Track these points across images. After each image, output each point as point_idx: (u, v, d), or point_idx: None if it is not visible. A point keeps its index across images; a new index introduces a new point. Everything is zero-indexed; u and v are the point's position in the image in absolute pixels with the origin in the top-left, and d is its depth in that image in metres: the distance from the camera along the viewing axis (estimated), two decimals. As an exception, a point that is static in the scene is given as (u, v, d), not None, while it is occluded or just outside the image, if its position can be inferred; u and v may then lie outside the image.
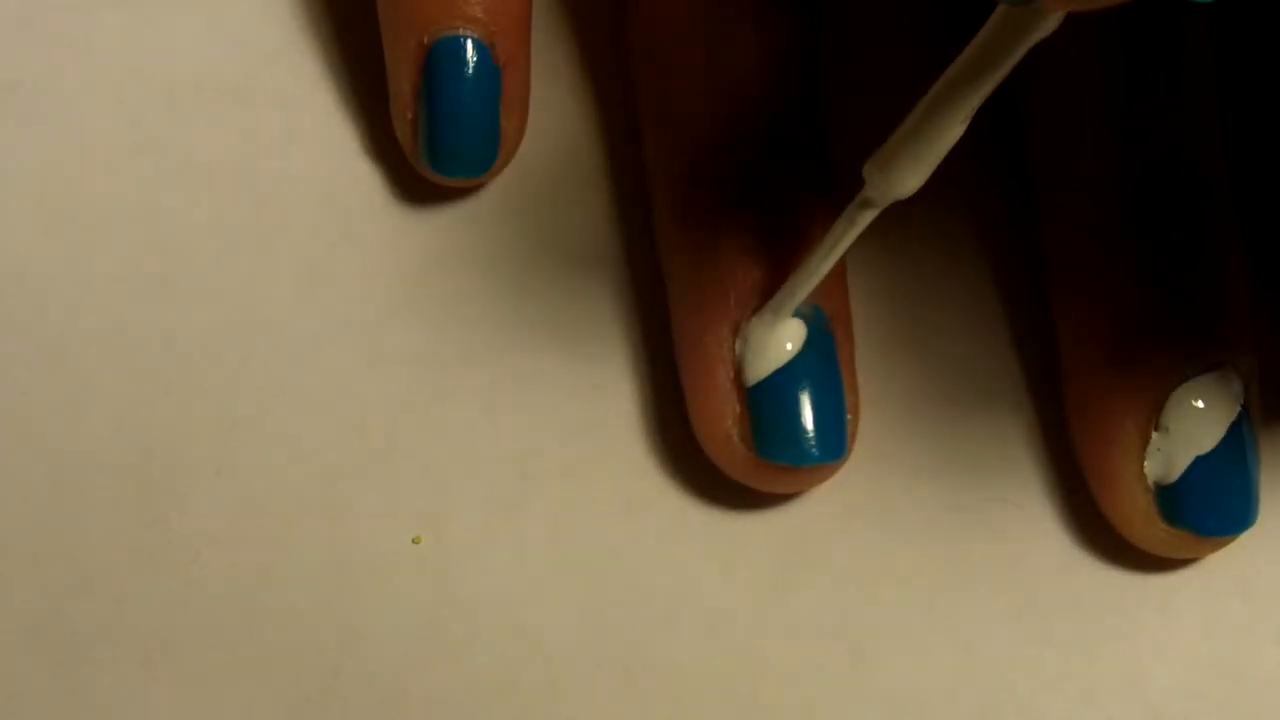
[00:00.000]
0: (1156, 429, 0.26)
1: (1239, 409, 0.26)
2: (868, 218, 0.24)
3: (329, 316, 0.29)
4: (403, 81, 0.28)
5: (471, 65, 0.28)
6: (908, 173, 0.23)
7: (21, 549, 0.27)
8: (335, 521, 0.27)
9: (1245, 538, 0.27)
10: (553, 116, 0.30)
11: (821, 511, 0.28)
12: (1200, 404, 0.26)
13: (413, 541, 0.27)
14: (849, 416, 0.27)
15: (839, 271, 0.27)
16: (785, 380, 0.26)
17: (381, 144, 0.30)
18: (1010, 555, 0.27)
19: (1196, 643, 0.27)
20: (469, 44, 0.28)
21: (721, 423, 0.27)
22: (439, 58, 0.28)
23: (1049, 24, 0.21)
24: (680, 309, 0.28)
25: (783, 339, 0.26)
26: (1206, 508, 0.26)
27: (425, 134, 0.28)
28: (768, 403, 0.26)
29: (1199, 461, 0.26)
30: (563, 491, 0.28)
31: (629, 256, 0.29)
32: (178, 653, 0.27)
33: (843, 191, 0.26)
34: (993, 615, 0.27)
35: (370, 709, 0.26)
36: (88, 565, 0.27)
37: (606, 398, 0.28)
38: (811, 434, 0.26)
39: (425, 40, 0.28)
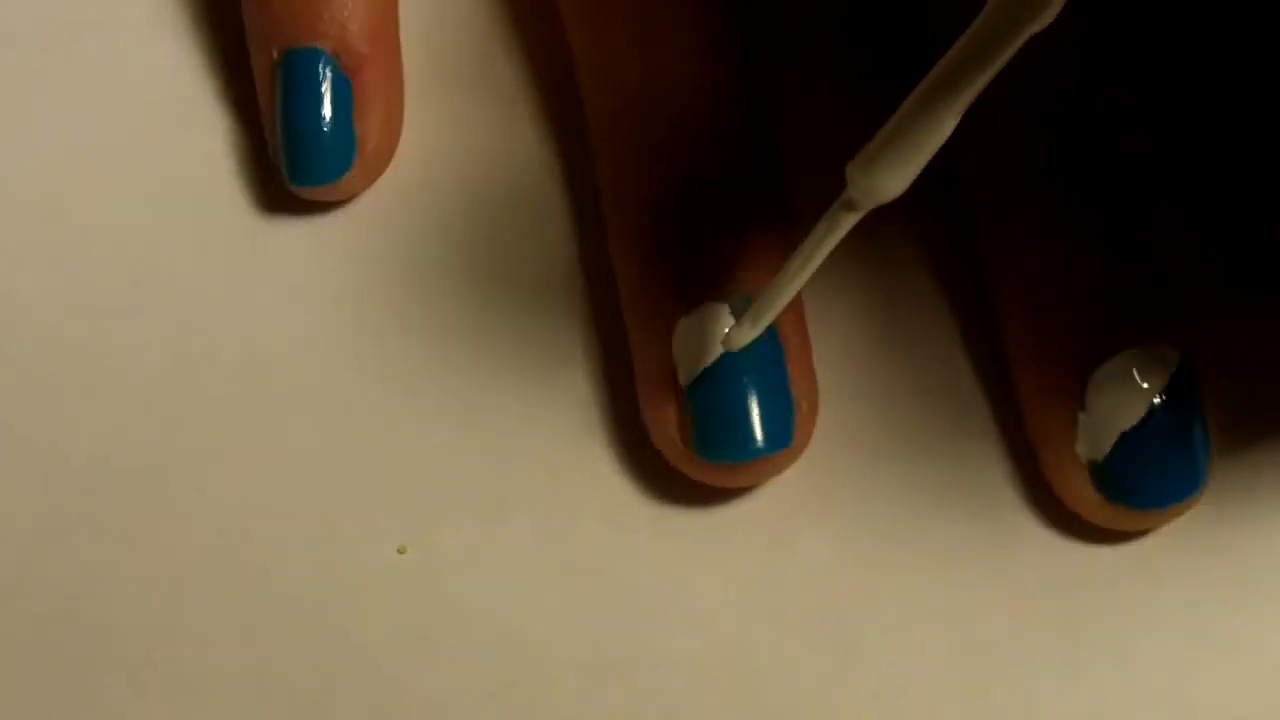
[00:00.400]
0: (1083, 409, 0.26)
1: (1164, 383, 0.26)
2: (850, 221, 0.23)
3: (312, 332, 0.29)
4: (261, 95, 0.29)
5: (316, 78, 0.29)
6: (894, 174, 0.22)
7: (4, 571, 0.27)
8: (320, 535, 0.28)
9: (1227, 505, 0.27)
10: (512, 132, 0.30)
11: (804, 504, 0.28)
12: (1121, 381, 0.26)
13: (398, 552, 0.27)
14: (799, 406, 0.27)
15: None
16: (719, 376, 0.26)
17: None
18: (993, 539, 0.27)
19: (1180, 613, 0.27)
20: (315, 57, 0.29)
21: (666, 425, 0.27)
22: (286, 71, 0.29)
23: (1050, 11, 0.20)
24: (627, 314, 0.28)
25: (715, 335, 0.26)
26: (1136, 482, 0.26)
27: (281, 146, 0.29)
28: (703, 400, 0.26)
29: (1124, 438, 0.26)
30: (545, 496, 0.28)
31: (597, 265, 0.29)
32: (165, 670, 0.27)
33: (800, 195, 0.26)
34: (980, 601, 0.27)
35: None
36: (73, 585, 0.27)
37: (583, 403, 0.28)
38: (750, 428, 0.26)
39: (275, 55, 0.29)
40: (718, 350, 0.26)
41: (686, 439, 0.26)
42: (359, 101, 0.29)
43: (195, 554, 0.27)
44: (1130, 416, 0.26)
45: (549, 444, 0.28)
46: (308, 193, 0.29)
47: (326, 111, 0.29)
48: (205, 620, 0.27)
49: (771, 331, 0.26)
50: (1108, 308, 0.26)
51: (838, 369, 0.28)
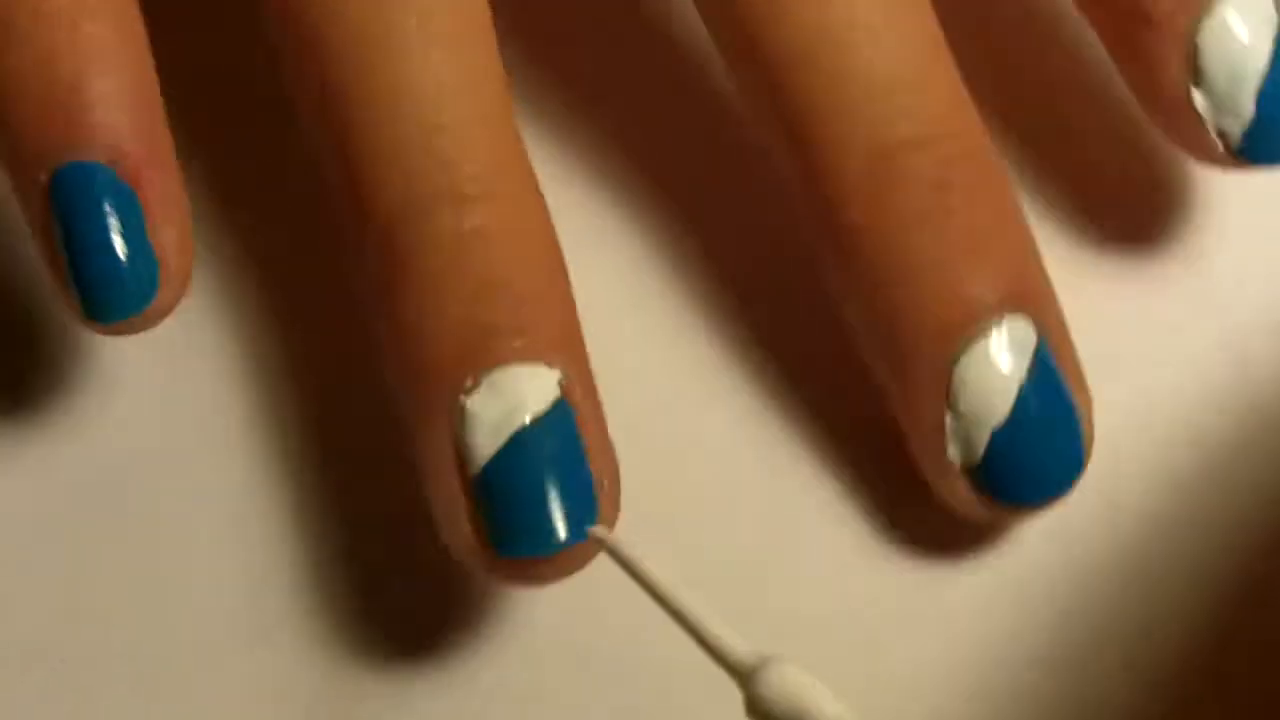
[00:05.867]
0: (948, 410, 0.24)
1: (1027, 364, 0.24)
2: None
3: (313, 331, 0.29)
4: (32, 226, 0.25)
5: (97, 194, 0.24)
6: None
7: (4, 571, 0.28)
8: (320, 535, 0.28)
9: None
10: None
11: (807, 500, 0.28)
12: (980, 372, 0.24)
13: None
14: (599, 483, 0.24)
15: (570, 319, 0.25)
16: (512, 461, 0.23)
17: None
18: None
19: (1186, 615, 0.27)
20: (91, 171, 0.24)
21: (457, 524, 0.24)
22: (59, 193, 0.24)
23: None
24: (395, 386, 0.25)
25: (502, 411, 0.23)
26: (1023, 479, 0.25)
27: (71, 282, 0.24)
28: (489, 493, 0.23)
29: (996, 435, 0.24)
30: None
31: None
32: (165, 670, 0.27)
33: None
34: (981, 601, 0.27)
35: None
36: (75, 586, 0.27)
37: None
38: (548, 518, 0.23)
39: (42, 177, 0.24)
40: (506, 431, 0.23)
41: (483, 536, 0.23)
42: (150, 212, 0.24)
43: (197, 553, 0.27)
44: (1001, 409, 0.24)
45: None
46: (112, 329, 0.25)
47: (118, 231, 0.24)
48: (208, 622, 0.27)
49: (562, 403, 0.23)
50: (951, 294, 0.25)
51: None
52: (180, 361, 0.29)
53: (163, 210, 0.25)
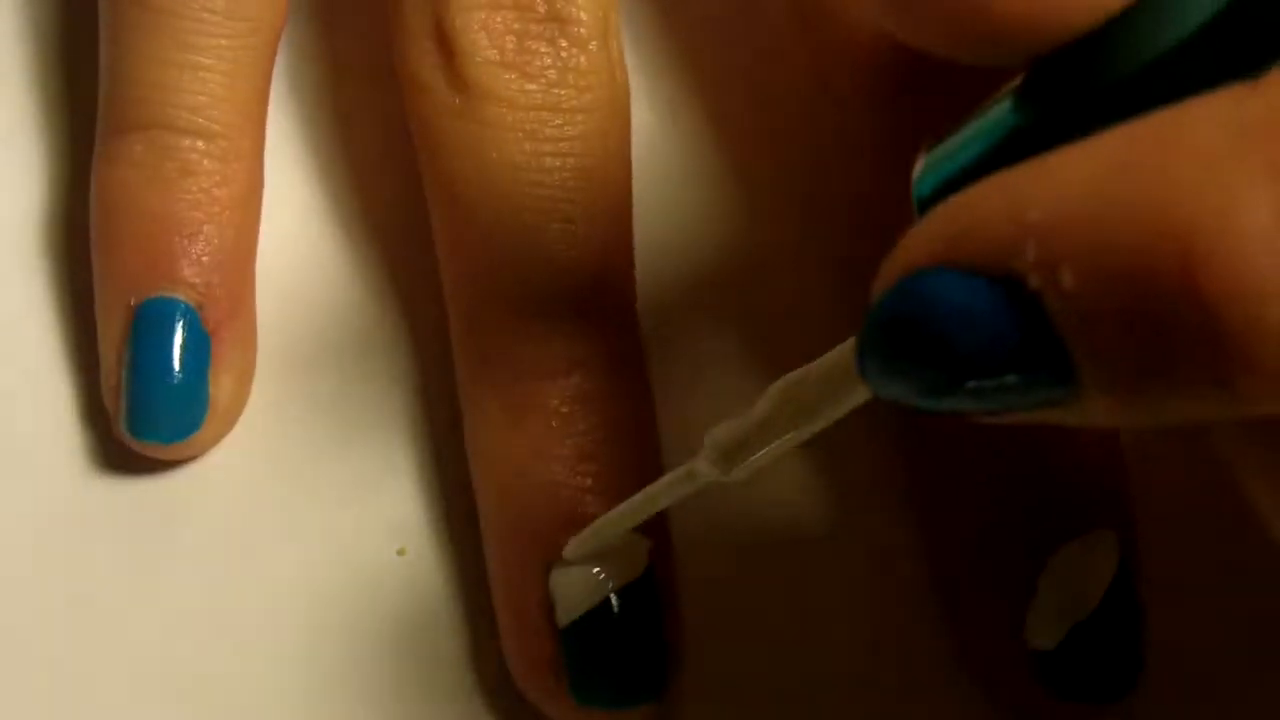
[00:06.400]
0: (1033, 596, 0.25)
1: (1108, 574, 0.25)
2: (694, 486, 0.23)
3: (311, 337, 0.29)
4: (110, 344, 0.27)
5: (173, 331, 0.27)
6: (745, 471, 0.22)
7: (4, 571, 0.27)
8: (321, 536, 0.28)
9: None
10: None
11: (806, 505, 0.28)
12: (1072, 571, 0.25)
13: (397, 553, 0.28)
14: (669, 647, 0.26)
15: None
16: (598, 623, 0.25)
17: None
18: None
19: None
20: (174, 308, 0.27)
21: (539, 667, 0.26)
22: (142, 322, 0.27)
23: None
24: (491, 535, 0.26)
25: (593, 578, 0.25)
26: (1084, 676, 0.25)
27: (126, 399, 0.27)
28: (580, 646, 0.25)
29: (1076, 629, 0.25)
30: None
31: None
32: (165, 671, 0.27)
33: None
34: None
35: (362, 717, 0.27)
36: (72, 585, 0.27)
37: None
38: (627, 677, 0.25)
39: (132, 302, 0.27)
40: (597, 594, 0.25)
41: (562, 681, 0.25)
42: (217, 358, 0.27)
43: (197, 554, 0.27)
44: (1082, 606, 0.25)
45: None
46: (149, 449, 0.27)
47: (181, 368, 0.27)
48: (206, 621, 0.27)
49: (649, 571, 0.25)
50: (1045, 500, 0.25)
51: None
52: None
53: (229, 358, 0.27)
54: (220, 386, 0.27)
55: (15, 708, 0.27)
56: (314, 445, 0.28)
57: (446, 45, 0.26)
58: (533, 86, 0.26)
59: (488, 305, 0.26)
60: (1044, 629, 0.25)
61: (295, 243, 0.29)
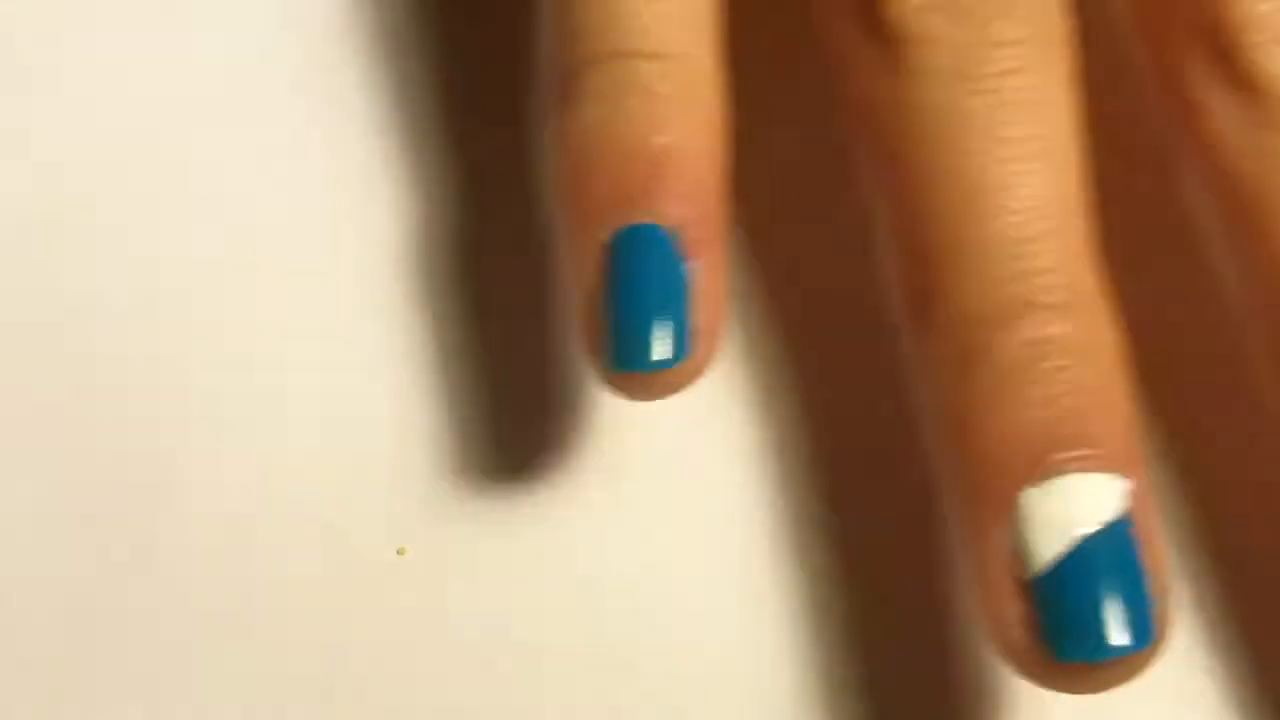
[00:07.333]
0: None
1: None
2: None
3: (313, 336, 0.29)
4: (584, 281, 0.26)
5: (656, 259, 0.25)
6: None
7: (4, 571, 0.27)
8: (320, 536, 0.28)
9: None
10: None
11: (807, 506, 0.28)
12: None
13: (397, 553, 0.27)
14: (1154, 600, 0.23)
15: (1134, 436, 0.25)
16: (1074, 566, 0.23)
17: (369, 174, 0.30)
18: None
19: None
20: (655, 235, 0.25)
21: (1007, 625, 0.23)
22: (621, 252, 0.25)
23: None
24: (950, 486, 0.25)
25: (1067, 517, 0.23)
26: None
27: (609, 332, 0.25)
28: (1055, 596, 0.23)
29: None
30: (547, 496, 0.28)
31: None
32: (164, 670, 0.27)
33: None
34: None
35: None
36: (73, 587, 0.27)
37: (581, 409, 0.28)
38: (1110, 624, 0.23)
39: (604, 236, 0.25)
40: (1071, 535, 0.23)
41: (1038, 639, 0.23)
42: (697, 284, 0.25)
43: (197, 555, 0.27)
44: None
45: (547, 447, 0.28)
46: (635, 382, 0.25)
47: (664, 294, 0.25)
48: (206, 621, 0.27)
49: (1126, 517, 0.23)
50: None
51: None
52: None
53: (708, 284, 0.25)
54: (701, 312, 0.25)
55: (15, 708, 0.27)
56: (312, 439, 0.28)
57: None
58: (965, 24, 0.25)
59: (924, 252, 0.25)
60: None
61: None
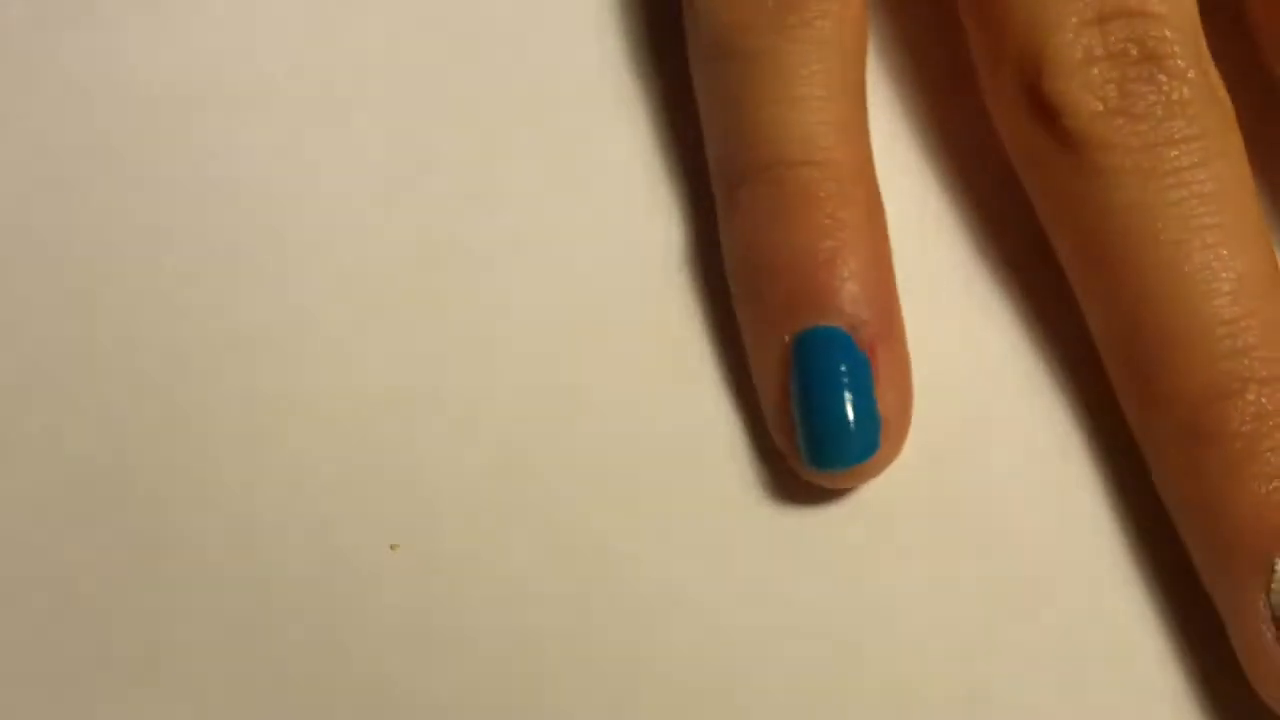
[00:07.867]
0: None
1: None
2: None
3: (304, 331, 0.29)
4: (771, 382, 0.28)
5: (838, 359, 0.27)
6: None
7: (4, 571, 0.27)
8: (315, 532, 0.28)
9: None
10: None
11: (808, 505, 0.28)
12: None
13: (390, 549, 0.27)
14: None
15: None
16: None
17: (358, 148, 0.30)
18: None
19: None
20: (834, 336, 0.28)
21: (1272, 674, 0.26)
22: (804, 354, 0.28)
23: None
24: (1205, 561, 0.27)
25: None
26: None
27: (802, 433, 0.28)
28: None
29: None
30: (543, 492, 0.28)
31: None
32: (166, 668, 0.27)
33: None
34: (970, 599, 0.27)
35: (357, 715, 0.27)
36: (73, 585, 0.27)
37: (579, 399, 0.28)
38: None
39: (787, 339, 0.28)
40: None
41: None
42: (879, 376, 0.28)
43: (194, 552, 0.27)
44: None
45: (543, 440, 0.28)
46: (833, 478, 0.28)
47: (850, 393, 0.27)
48: (204, 618, 0.27)
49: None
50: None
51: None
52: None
53: (889, 375, 0.28)
54: (888, 403, 0.28)
55: (15, 707, 0.27)
56: (308, 441, 0.28)
57: (1047, 110, 0.27)
58: (1142, 127, 0.27)
59: (1143, 339, 0.27)
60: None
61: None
